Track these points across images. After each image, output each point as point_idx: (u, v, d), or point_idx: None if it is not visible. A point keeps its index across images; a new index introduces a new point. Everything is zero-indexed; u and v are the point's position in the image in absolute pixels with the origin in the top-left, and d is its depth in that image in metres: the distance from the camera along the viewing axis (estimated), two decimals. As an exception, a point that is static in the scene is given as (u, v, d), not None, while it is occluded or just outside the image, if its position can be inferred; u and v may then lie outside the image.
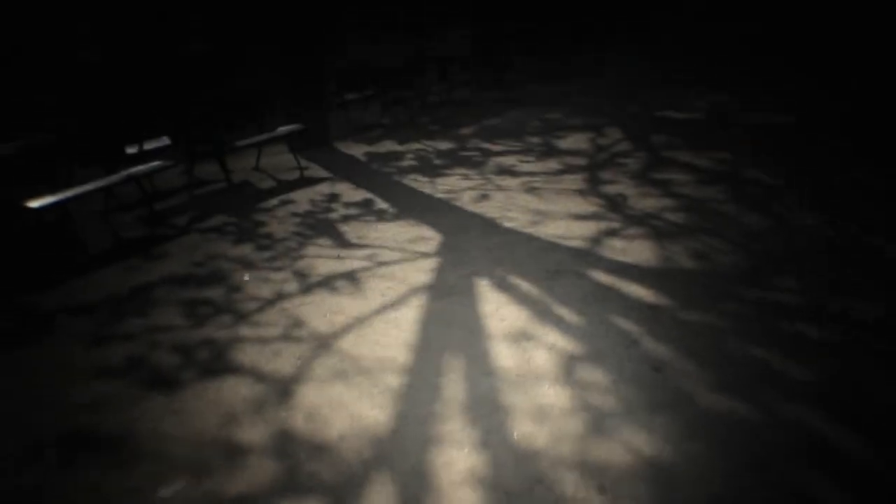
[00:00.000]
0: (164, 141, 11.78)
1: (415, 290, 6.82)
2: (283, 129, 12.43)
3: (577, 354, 5.42)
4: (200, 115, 11.52)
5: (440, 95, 19.12)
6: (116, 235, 9.19)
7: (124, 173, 9.58)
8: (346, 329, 6.04)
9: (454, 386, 5.05)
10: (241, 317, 6.40)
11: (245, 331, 6.11)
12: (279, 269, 7.58)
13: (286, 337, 5.94)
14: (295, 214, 9.67)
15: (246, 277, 7.38)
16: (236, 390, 5.10)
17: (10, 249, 8.80)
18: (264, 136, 11.89)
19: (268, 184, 11.64)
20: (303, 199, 10.47)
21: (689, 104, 17.40)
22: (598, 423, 4.51)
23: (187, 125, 11.12)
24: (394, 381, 5.16)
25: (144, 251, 8.45)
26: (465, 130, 15.64)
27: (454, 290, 6.77)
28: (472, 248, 7.92)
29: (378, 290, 6.88)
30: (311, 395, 4.99)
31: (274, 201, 10.42)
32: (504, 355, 5.46)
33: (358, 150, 13.98)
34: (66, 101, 15.53)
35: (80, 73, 15.54)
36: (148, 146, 11.46)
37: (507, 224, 8.70)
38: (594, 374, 5.12)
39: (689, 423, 4.47)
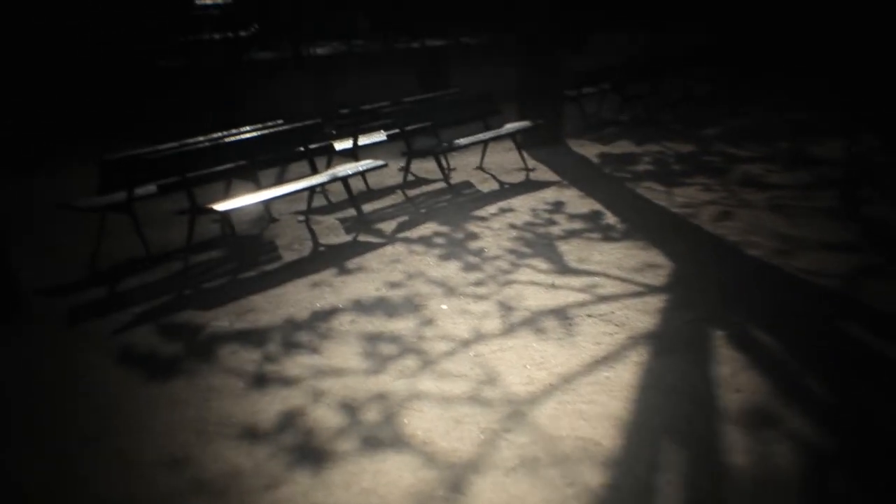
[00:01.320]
0: (381, 136, 11.00)
1: (635, 339, 5.57)
2: (510, 127, 11.39)
3: (830, 454, 4.04)
4: (418, 108, 10.67)
5: (683, 91, 17.47)
6: (314, 242, 8.44)
7: (329, 173, 8.82)
8: (547, 392, 4.89)
9: (669, 492, 3.81)
10: (428, 362, 5.38)
11: (428, 383, 5.08)
12: (483, 297, 6.52)
13: (474, 398, 4.86)
14: (513, 226, 8.60)
15: (443, 307, 6.37)
16: (398, 476, 4.07)
17: (193, 255, 8.22)
18: (488, 135, 10.89)
19: (489, 186, 10.64)
20: (524, 206, 9.39)
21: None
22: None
23: (404, 121, 10.27)
24: (594, 477, 3.96)
25: (340, 263, 7.63)
26: (709, 131, 14.03)
27: (682, 342, 5.47)
28: (708, 282, 6.57)
29: (592, 335, 5.68)
30: (487, 494, 3.88)
31: (492, 208, 9.39)
32: (736, 448, 4.15)
33: (591, 150, 12.74)
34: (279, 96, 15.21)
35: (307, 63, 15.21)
36: (363, 141, 10.72)
37: (750, 251, 7.27)
38: (851, 486, 3.74)
39: None
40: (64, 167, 14.04)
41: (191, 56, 18.69)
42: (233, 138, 8.33)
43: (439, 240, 8.24)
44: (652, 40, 17.94)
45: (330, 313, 6.34)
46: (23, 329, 6.45)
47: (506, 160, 12.13)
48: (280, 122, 9.59)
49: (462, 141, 10.56)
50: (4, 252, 6.70)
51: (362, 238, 8.45)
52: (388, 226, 8.86)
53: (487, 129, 11.40)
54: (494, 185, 10.66)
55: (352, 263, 7.58)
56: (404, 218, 9.17)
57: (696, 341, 5.48)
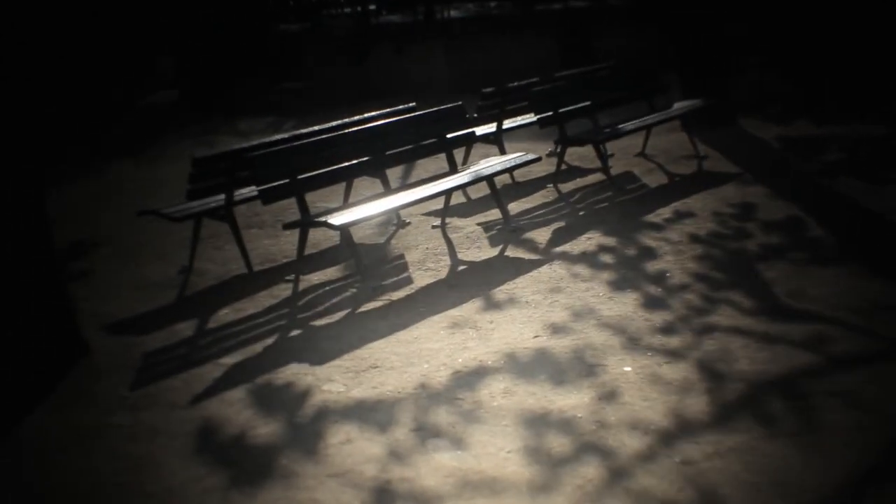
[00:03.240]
0: (525, 119, 9.39)
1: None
2: (680, 107, 9.61)
3: None
4: (574, 86, 9.01)
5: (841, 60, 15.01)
6: (452, 257, 6.90)
7: (472, 171, 7.24)
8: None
9: None
10: (617, 472, 3.78)
11: (621, 516, 3.49)
12: (677, 354, 4.88)
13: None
14: (695, 238, 6.90)
15: (627, 369, 4.77)
16: None
17: (303, 274, 6.78)
18: (656, 118, 9.13)
19: (656, 179, 8.92)
20: (704, 209, 7.66)
21: None
22: None
23: (558, 101, 8.61)
24: None
25: (485, 291, 6.07)
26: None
27: None
28: None
29: (841, 429, 4.00)
30: None
31: (665, 211, 7.68)
32: None
33: (767, 132, 10.76)
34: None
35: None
36: (507, 124, 9.13)
37: None
38: None
39: None
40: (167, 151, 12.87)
41: (314, 18, 17.30)
42: (355, 128, 6.82)
43: (607, 257, 6.61)
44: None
45: (476, 375, 4.79)
46: (78, 391, 5.06)
47: (671, 144, 10.30)
48: (412, 104, 8.04)
49: (627, 126, 8.85)
50: (63, 287, 5.35)
51: (511, 252, 6.87)
52: (542, 235, 7.25)
53: (652, 109, 9.61)
54: (662, 178, 8.93)
55: (500, 292, 6.02)
56: (560, 224, 7.55)
57: None
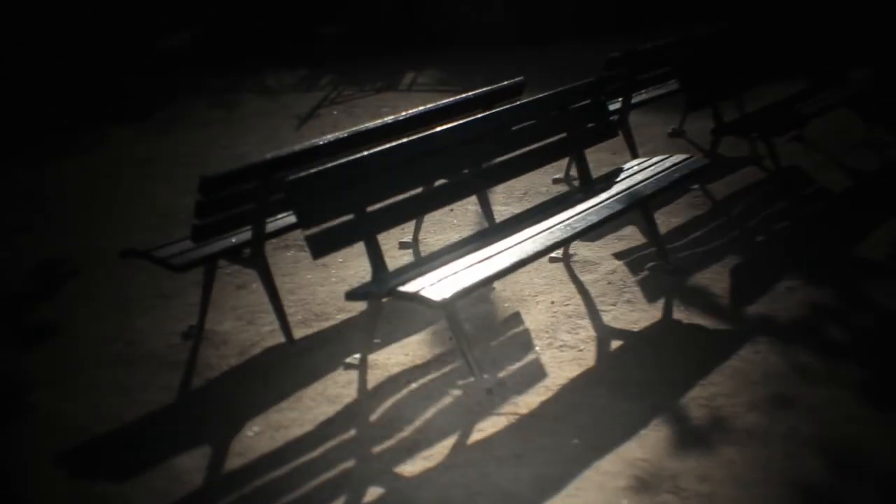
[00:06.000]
0: (653, 92, 7.04)
1: None
2: (861, 77, 7.15)
3: None
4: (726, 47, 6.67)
5: None
6: (596, 325, 4.56)
7: (624, 191, 4.85)
8: None
9: None
10: None
11: None
12: None
13: None
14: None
15: None
16: None
17: (372, 351, 4.48)
18: (840, 95, 6.71)
19: (834, 178, 6.55)
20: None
21: None
22: None
23: (708, 71, 6.24)
24: None
25: (665, 399, 3.76)
26: None
27: None
28: None
29: None
30: None
31: (881, 241, 5.32)
32: None
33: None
34: None
35: None
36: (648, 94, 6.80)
37: None
38: None
39: None
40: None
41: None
42: (440, 127, 4.46)
43: (837, 332, 4.31)
44: None
45: None
46: None
47: (830, 123, 7.66)
48: (520, 79, 5.64)
49: (807, 108, 6.47)
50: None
51: (683, 315, 4.54)
52: (716, 280, 4.91)
53: (824, 84, 7.11)
54: (843, 178, 6.55)
55: (695, 404, 3.71)
56: (735, 258, 5.20)
57: None
